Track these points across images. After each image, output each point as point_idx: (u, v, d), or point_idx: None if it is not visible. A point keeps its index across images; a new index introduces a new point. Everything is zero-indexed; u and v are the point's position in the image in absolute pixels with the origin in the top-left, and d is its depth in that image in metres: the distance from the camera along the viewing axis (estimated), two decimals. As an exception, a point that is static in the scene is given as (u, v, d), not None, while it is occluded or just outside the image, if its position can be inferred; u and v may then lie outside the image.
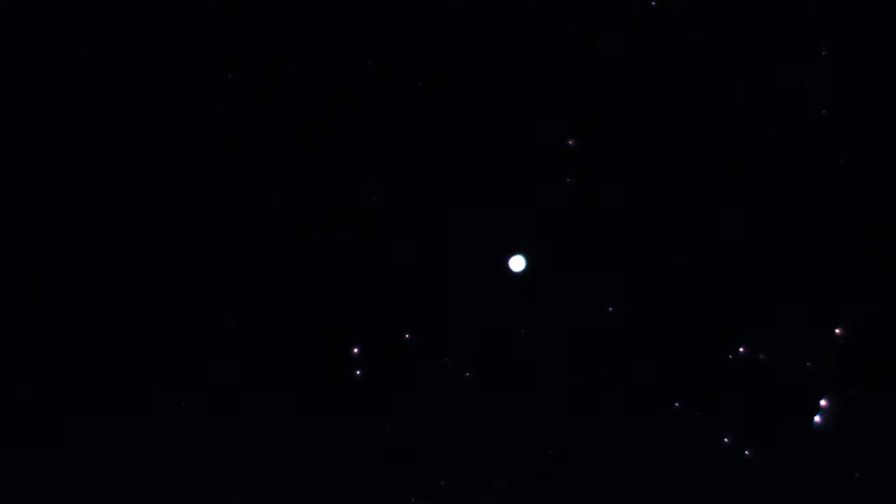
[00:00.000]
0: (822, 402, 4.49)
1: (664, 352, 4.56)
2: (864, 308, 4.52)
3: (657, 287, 4.60)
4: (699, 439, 4.53)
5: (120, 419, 4.52)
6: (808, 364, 4.52)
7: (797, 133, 4.59)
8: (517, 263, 4.60)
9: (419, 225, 4.64)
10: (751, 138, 4.60)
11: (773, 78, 4.59)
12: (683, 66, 4.62)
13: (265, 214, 4.62)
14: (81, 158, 4.59)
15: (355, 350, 4.58)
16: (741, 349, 4.54)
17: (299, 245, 4.62)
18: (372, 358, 4.59)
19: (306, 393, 4.57)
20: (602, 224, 4.62)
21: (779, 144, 4.59)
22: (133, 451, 4.50)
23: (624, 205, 4.61)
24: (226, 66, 4.61)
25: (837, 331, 4.51)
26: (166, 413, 4.54)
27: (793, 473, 4.47)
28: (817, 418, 4.48)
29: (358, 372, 4.58)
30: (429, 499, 4.53)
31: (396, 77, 4.65)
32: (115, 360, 4.54)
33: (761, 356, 4.53)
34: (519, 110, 4.65)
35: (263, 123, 4.63)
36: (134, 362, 4.55)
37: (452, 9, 4.63)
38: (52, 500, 4.45)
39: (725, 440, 4.52)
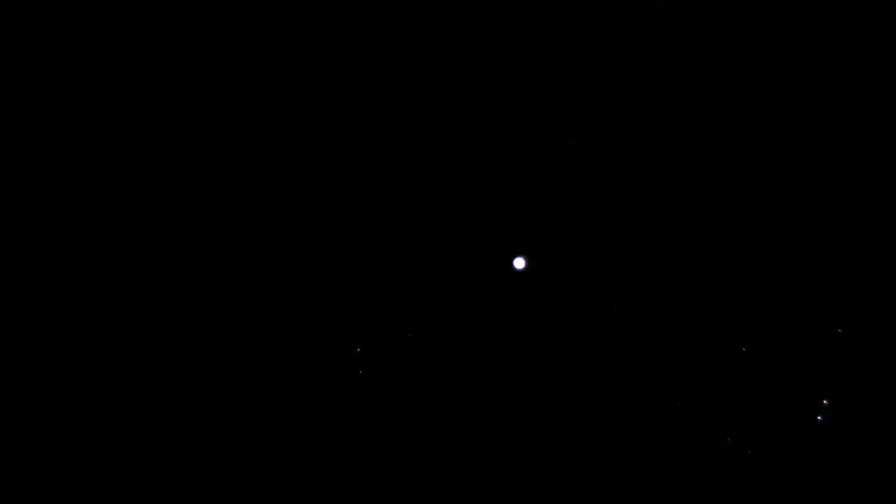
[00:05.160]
0: (825, 402, 4.50)
1: (665, 351, 4.57)
2: (865, 308, 4.52)
3: (659, 287, 4.60)
4: (700, 439, 4.53)
5: (119, 419, 4.52)
6: (810, 364, 4.53)
7: (797, 133, 4.59)
8: (519, 263, 4.61)
9: (420, 225, 4.65)
10: (751, 138, 4.60)
11: (776, 77, 4.60)
12: (684, 65, 4.62)
13: (265, 214, 4.62)
14: (81, 158, 4.61)
15: (358, 350, 4.60)
16: (743, 349, 4.54)
17: (300, 245, 4.63)
18: (374, 358, 4.60)
19: (307, 393, 4.57)
20: (603, 223, 4.63)
21: (779, 144, 4.59)
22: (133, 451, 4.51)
23: (625, 204, 4.62)
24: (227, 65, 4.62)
25: (840, 330, 4.52)
26: (165, 413, 4.54)
27: (794, 473, 4.47)
28: (819, 418, 4.49)
29: (360, 371, 4.60)
30: (431, 499, 4.53)
31: (397, 77, 4.66)
32: (115, 360, 4.54)
33: (763, 356, 4.53)
34: (520, 110, 4.65)
35: (264, 123, 4.63)
36: (134, 362, 4.55)
37: (453, 8, 4.64)
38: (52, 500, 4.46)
39: (727, 440, 4.52)
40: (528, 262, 4.61)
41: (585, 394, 4.58)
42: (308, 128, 4.66)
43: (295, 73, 4.66)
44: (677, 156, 4.64)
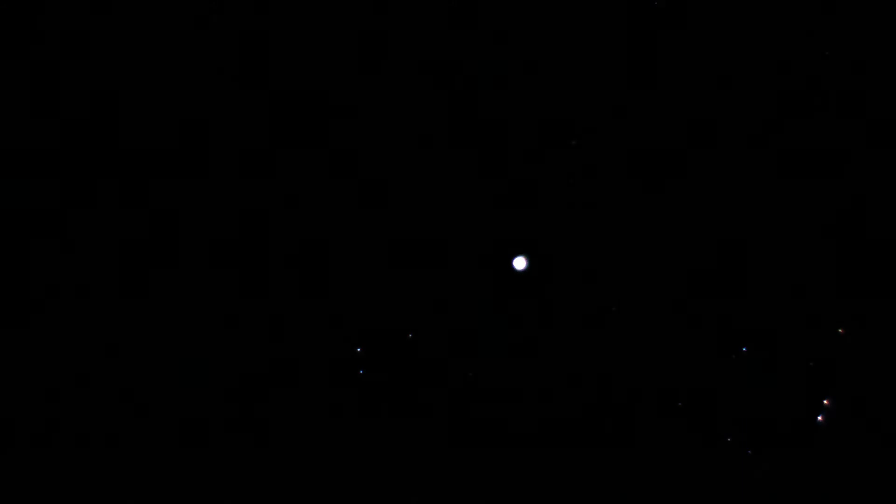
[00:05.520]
0: (825, 402, 4.50)
1: (666, 351, 4.57)
2: (866, 308, 4.53)
3: (661, 286, 4.60)
4: (701, 439, 4.54)
5: (119, 420, 4.52)
6: (810, 364, 4.53)
7: (798, 132, 4.60)
8: (519, 263, 4.61)
9: (420, 225, 4.65)
10: (752, 137, 4.61)
11: (777, 77, 4.61)
12: (685, 65, 4.63)
13: (265, 215, 4.63)
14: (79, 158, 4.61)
15: (358, 350, 4.59)
16: (744, 349, 4.55)
17: (302, 245, 4.63)
18: (375, 358, 4.60)
19: (309, 392, 4.57)
20: (604, 223, 4.63)
21: (782, 143, 4.60)
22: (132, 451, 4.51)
23: (626, 204, 4.62)
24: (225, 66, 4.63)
25: (840, 330, 4.53)
26: (165, 412, 4.54)
27: (795, 473, 4.48)
28: (820, 418, 4.49)
29: (361, 371, 4.60)
30: (432, 499, 4.53)
31: (397, 76, 4.66)
32: (114, 360, 4.54)
33: (764, 355, 4.53)
34: (520, 110, 4.66)
35: (265, 121, 4.63)
36: (134, 363, 4.55)
37: (453, 8, 4.65)
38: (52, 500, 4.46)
39: (728, 440, 4.53)
40: (528, 262, 4.61)
41: (586, 394, 4.59)
42: (308, 127, 4.65)
43: (294, 72, 4.66)
44: (677, 155, 4.64)
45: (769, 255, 4.58)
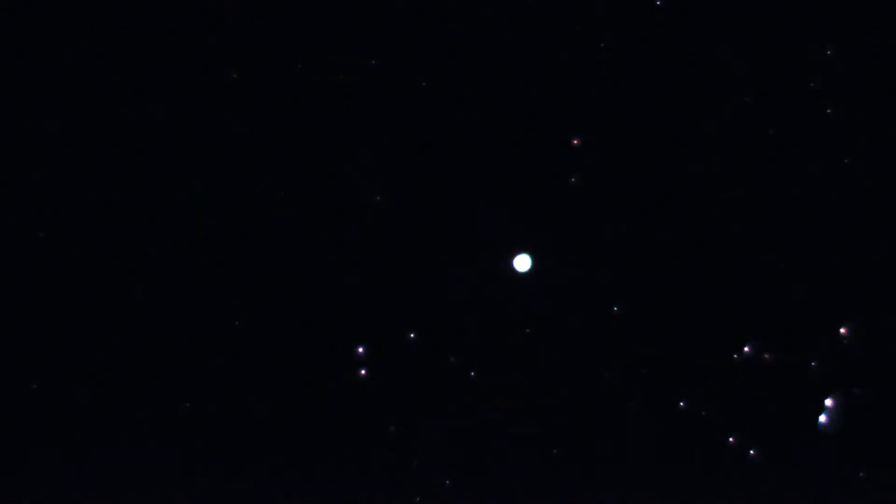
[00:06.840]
0: (827, 402, 4.51)
1: (669, 351, 4.57)
2: (867, 307, 4.55)
3: (662, 286, 4.61)
4: (704, 439, 4.54)
5: (120, 420, 4.50)
6: (812, 364, 4.54)
7: (800, 132, 4.61)
8: (522, 263, 4.60)
9: (423, 224, 4.64)
10: (754, 137, 4.62)
11: (777, 77, 4.62)
12: (687, 64, 4.63)
13: (267, 213, 4.61)
14: (81, 158, 4.59)
15: (360, 350, 4.58)
16: (746, 349, 4.55)
17: (302, 244, 4.61)
18: (376, 358, 4.59)
19: (310, 392, 4.56)
20: (606, 223, 4.63)
21: (782, 143, 4.61)
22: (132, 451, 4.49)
23: (628, 204, 4.63)
24: (229, 65, 4.61)
25: (842, 330, 4.54)
26: (167, 413, 4.52)
27: (797, 473, 4.49)
28: (822, 418, 4.50)
29: (363, 371, 4.58)
30: (433, 499, 4.52)
31: (398, 75, 4.65)
32: (116, 359, 4.52)
33: (766, 355, 4.54)
34: (522, 109, 4.65)
35: (265, 122, 4.62)
36: (135, 362, 4.53)
37: (453, 8, 4.65)
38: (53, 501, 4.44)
39: (730, 440, 4.53)
40: (531, 262, 4.60)
41: (587, 394, 4.59)
42: (308, 127, 4.64)
43: (295, 71, 4.65)
44: (678, 155, 4.65)
45: (769, 254, 4.59)
